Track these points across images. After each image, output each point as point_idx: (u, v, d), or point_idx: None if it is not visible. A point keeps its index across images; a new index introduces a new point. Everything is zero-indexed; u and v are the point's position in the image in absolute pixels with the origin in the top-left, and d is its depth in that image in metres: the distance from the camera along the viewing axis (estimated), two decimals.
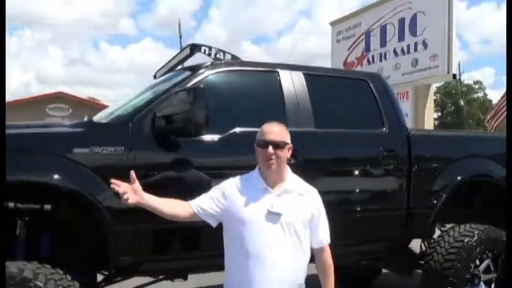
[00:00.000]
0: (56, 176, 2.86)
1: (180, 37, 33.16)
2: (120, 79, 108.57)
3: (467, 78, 51.09)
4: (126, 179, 2.95)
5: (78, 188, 2.89)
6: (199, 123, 2.96)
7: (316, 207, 2.52)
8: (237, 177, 2.58)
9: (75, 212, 3.07)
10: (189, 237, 3.28)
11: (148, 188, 3.04)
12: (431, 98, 12.83)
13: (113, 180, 2.40)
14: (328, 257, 2.55)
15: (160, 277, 3.59)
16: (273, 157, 2.41)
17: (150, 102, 3.22)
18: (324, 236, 2.53)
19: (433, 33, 11.78)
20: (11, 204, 2.86)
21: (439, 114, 58.75)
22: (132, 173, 2.47)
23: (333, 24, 15.46)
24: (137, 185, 2.45)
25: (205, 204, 2.51)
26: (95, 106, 44.24)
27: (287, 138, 2.51)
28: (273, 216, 2.36)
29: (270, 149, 2.41)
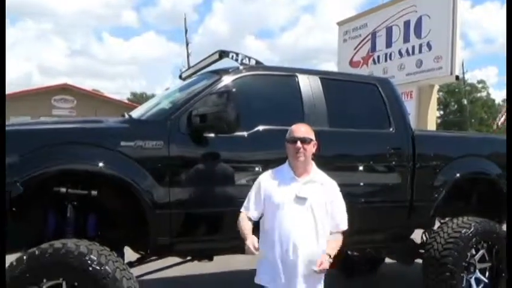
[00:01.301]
0: (104, 165, 3.24)
1: (186, 31, 33.57)
2: (122, 71, 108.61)
3: (470, 77, 51.13)
4: (165, 168, 3.39)
5: (123, 176, 3.28)
6: (230, 122, 3.33)
7: (335, 195, 2.98)
8: (270, 170, 3.05)
9: (119, 197, 3.46)
10: (215, 221, 3.66)
11: (183, 177, 3.48)
12: (434, 98, 13.15)
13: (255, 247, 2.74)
14: (340, 238, 2.97)
15: (188, 258, 4.01)
16: (301, 150, 2.87)
17: (186, 101, 3.60)
18: (341, 221, 2.97)
19: (438, 35, 12.12)
20: (63, 190, 3.27)
21: (441, 112, 58.83)
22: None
23: (340, 24, 15.80)
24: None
25: (254, 211, 2.95)
26: (99, 98, 44.53)
27: (312, 136, 2.97)
28: (300, 200, 2.83)
29: (298, 143, 2.87)
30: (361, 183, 4.09)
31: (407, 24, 13.15)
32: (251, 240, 2.75)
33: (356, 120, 4.25)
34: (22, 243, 3.29)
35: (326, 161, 3.88)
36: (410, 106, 12.83)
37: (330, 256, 2.79)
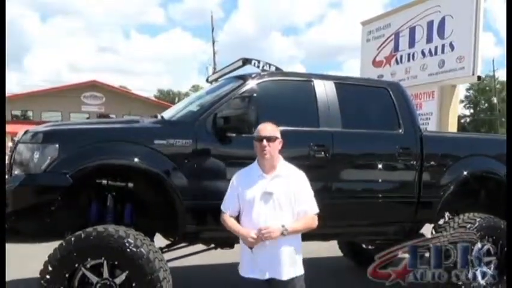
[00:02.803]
0: (139, 161, 3.68)
1: (212, 29, 34.10)
2: (148, 68, 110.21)
3: (501, 75, 50.07)
4: (192, 164, 3.81)
5: (156, 170, 3.71)
6: (251, 123, 3.69)
7: (301, 185, 3.28)
8: (242, 170, 3.40)
9: (152, 189, 3.90)
10: None
11: (208, 171, 3.89)
12: (456, 98, 13.17)
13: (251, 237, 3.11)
14: (308, 221, 3.23)
15: (212, 246, 4.43)
16: (267, 148, 3.20)
17: (212, 104, 4.01)
18: (309, 207, 3.25)
19: (460, 35, 12.15)
20: (104, 182, 3.75)
21: (471, 111, 57.84)
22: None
23: (364, 24, 15.92)
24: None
25: (232, 209, 3.33)
26: (127, 95, 45.26)
27: (277, 134, 3.29)
28: (267, 195, 3.18)
29: (264, 142, 3.20)
30: (371, 180, 4.42)
31: (430, 24, 13.21)
32: (246, 232, 3.13)
33: (367, 122, 4.57)
34: (69, 228, 3.75)
35: (338, 159, 4.26)
36: (432, 106, 12.99)
37: (285, 228, 3.09)
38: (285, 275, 3.16)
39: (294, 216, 3.21)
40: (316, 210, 3.30)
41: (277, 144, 3.27)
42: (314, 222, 3.28)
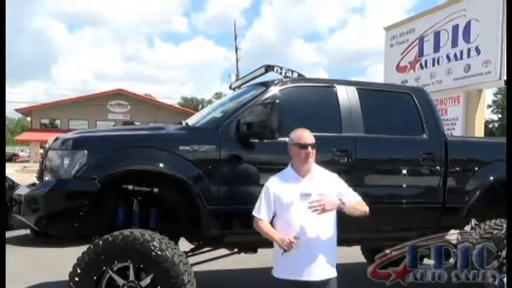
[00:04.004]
0: (164, 166, 3.77)
1: (236, 37, 34.36)
2: (172, 76, 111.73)
3: None
4: (216, 169, 3.86)
5: (181, 176, 3.79)
6: (273, 129, 3.74)
7: (338, 183, 3.36)
8: (275, 176, 3.40)
9: (177, 194, 3.96)
10: None
11: (231, 176, 3.95)
12: (483, 103, 12.97)
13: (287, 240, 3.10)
14: (363, 203, 3.34)
15: (235, 250, 4.48)
16: (311, 155, 3.27)
17: (235, 111, 4.07)
18: (352, 198, 3.32)
19: (486, 39, 11.98)
20: (130, 187, 3.83)
21: (499, 116, 56.52)
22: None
23: (387, 29, 15.83)
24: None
25: (265, 215, 3.29)
26: (152, 103, 45.93)
27: (314, 140, 3.35)
28: (305, 196, 3.20)
29: (309, 149, 3.26)
30: (394, 185, 4.42)
31: (455, 28, 13.06)
32: (282, 236, 3.13)
33: (390, 127, 4.56)
34: (97, 232, 3.86)
35: (361, 164, 4.27)
36: (457, 111, 12.81)
37: (344, 203, 3.17)
38: (322, 276, 3.19)
39: (332, 214, 3.26)
40: (360, 199, 3.36)
41: (315, 150, 3.36)
42: (366, 207, 3.35)
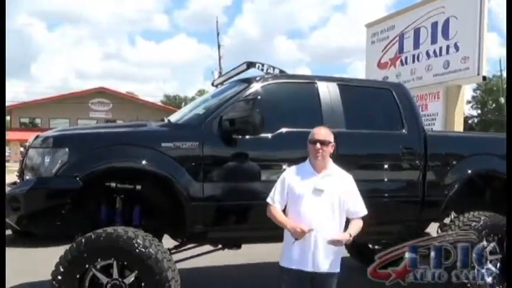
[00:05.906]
0: (147, 163, 3.76)
1: (218, 34, 34.27)
2: (155, 74, 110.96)
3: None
4: (199, 166, 3.88)
5: (164, 173, 3.79)
6: (255, 125, 3.78)
7: (350, 187, 3.41)
8: (293, 166, 3.48)
9: (160, 191, 3.96)
10: (243, 212, 4.11)
11: (215, 173, 3.97)
12: (462, 98, 13.19)
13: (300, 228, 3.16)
14: (360, 222, 3.39)
15: (219, 246, 4.49)
16: (320, 151, 3.30)
17: (218, 107, 4.08)
18: (360, 208, 3.40)
19: (465, 36, 12.17)
20: (113, 185, 3.82)
21: (479, 111, 57.45)
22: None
23: (369, 26, 15.97)
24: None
25: (278, 202, 3.35)
26: (134, 101, 45.50)
27: (331, 138, 3.38)
28: (317, 191, 3.27)
29: (318, 145, 3.30)
30: (375, 179, 4.48)
31: (434, 25, 13.24)
32: (293, 225, 3.19)
33: (371, 123, 4.62)
34: (79, 231, 3.84)
35: (343, 159, 4.29)
36: (437, 107, 13.00)
37: (350, 235, 3.24)
38: (326, 270, 3.26)
39: (341, 214, 3.32)
40: (366, 211, 3.42)
41: (330, 148, 3.37)
42: (361, 221, 3.41)
